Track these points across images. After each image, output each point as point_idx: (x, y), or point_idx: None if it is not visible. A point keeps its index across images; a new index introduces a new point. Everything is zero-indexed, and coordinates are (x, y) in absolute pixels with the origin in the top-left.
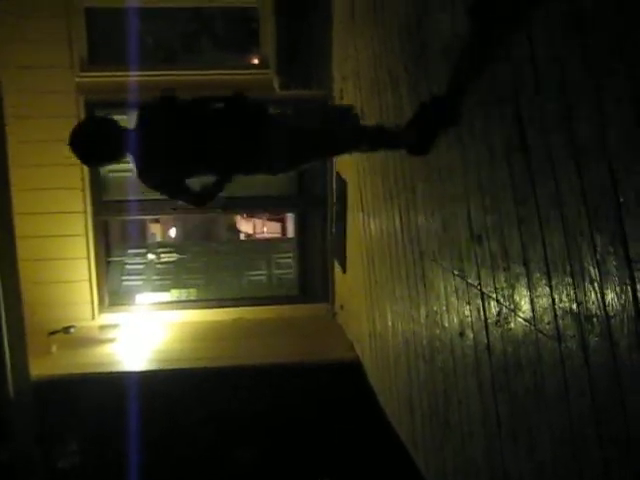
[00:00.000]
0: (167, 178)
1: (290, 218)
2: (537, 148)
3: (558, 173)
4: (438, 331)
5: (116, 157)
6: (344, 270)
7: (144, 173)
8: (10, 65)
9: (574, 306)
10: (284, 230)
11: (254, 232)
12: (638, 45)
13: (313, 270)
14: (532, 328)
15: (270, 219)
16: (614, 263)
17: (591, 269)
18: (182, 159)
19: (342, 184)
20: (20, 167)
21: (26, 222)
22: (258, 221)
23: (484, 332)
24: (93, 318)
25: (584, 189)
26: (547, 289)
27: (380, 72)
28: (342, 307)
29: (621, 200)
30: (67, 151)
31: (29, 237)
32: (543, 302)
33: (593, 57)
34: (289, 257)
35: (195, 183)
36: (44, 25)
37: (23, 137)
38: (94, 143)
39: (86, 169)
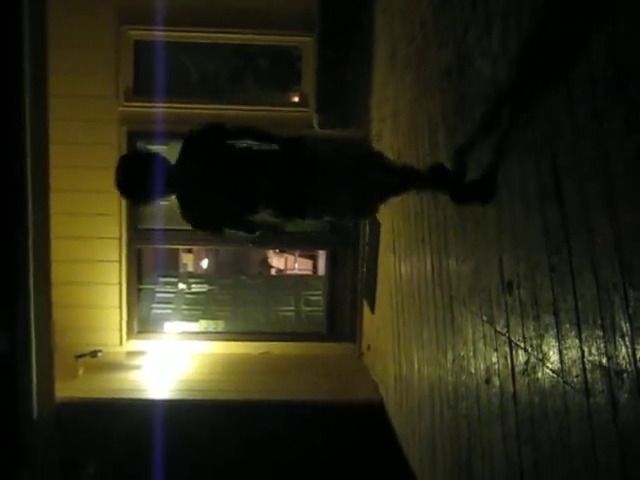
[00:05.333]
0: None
1: (322, 256)
2: (572, 199)
3: (593, 224)
4: (464, 377)
5: (165, 195)
6: (373, 310)
7: (190, 207)
8: (57, 93)
9: (604, 360)
10: (315, 267)
11: (285, 268)
12: None
13: (342, 309)
14: (560, 380)
15: (302, 256)
16: None
17: (622, 323)
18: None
19: (375, 225)
20: (59, 191)
21: (61, 246)
22: (290, 257)
23: (511, 380)
24: (121, 344)
25: (618, 242)
26: (577, 341)
27: (419, 116)
28: (369, 348)
29: None
30: (105, 178)
31: (63, 261)
32: (572, 354)
33: (632, 114)
34: (319, 294)
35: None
36: (94, 56)
37: (63, 162)
38: (143, 185)
39: None
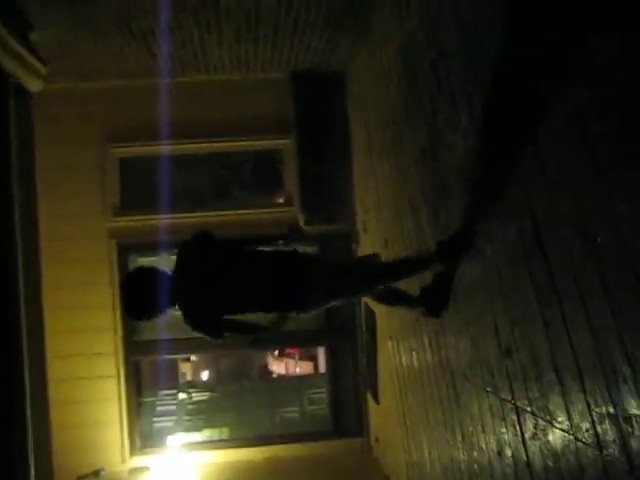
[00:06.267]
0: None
1: (322, 356)
2: (555, 251)
3: (578, 273)
4: (475, 453)
5: (170, 307)
6: (377, 401)
7: (190, 312)
8: (45, 214)
9: (610, 408)
10: (316, 369)
11: (286, 373)
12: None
13: (346, 403)
14: (571, 437)
15: (302, 358)
16: None
17: (623, 366)
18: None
19: (370, 314)
20: (52, 310)
21: (58, 365)
22: (290, 361)
23: (522, 448)
24: (123, 461)
25: (606, 286)
26: (581, 394)
27: (400, 201)
28: (377, 440)
29: None
30: (99, 294)
31: (61, 380)
32: (579, 408)
33: (601, 163)
34: (322, 392)
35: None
36: (81, 175)
37: (56, 281)
38: (152, 302)
39: (118, 310)
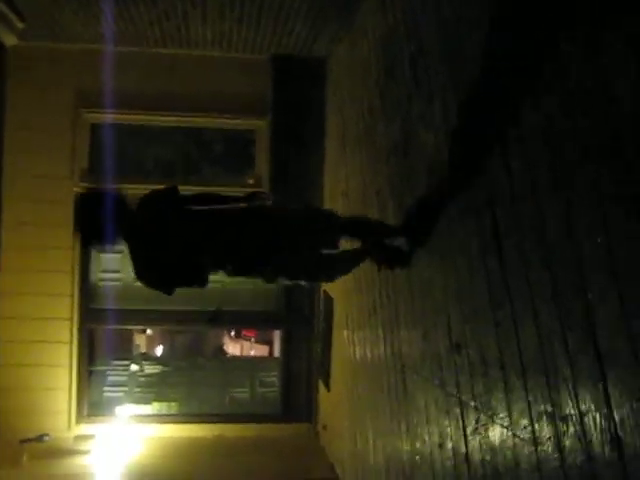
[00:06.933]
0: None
1: (277, 340)
2: (511, 254)
3: (531, 276)
4: (418, 444)
5: (118, 239)
6: (328, 388)
7: (142, 263)
8: (10, 174)
9: (549, 407)
10: (271, 353)
11: (241, 354)
12: (600, 156)
13: (297, 389)
14: (509, 433)
15: (257, 342)
16: (585, 360)
17: (564, 368)
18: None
19: (329, 302)
20: (10, 272)
21: (10, 326)
22: (246, 343)
23: (463, 441)
24: (69, 428)
25: (555, 291)
26: (523, 392)
27: (368, 191)
28: (325, 427)
29: (589, 297)
30: (59, 258)
31: (11, 342)
32: (519, 406)
33: (560, 170)
34: (274, 375)
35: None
36: (50, 138)
37: (18, 243)
38: (97, 223)
39: (77, 276)
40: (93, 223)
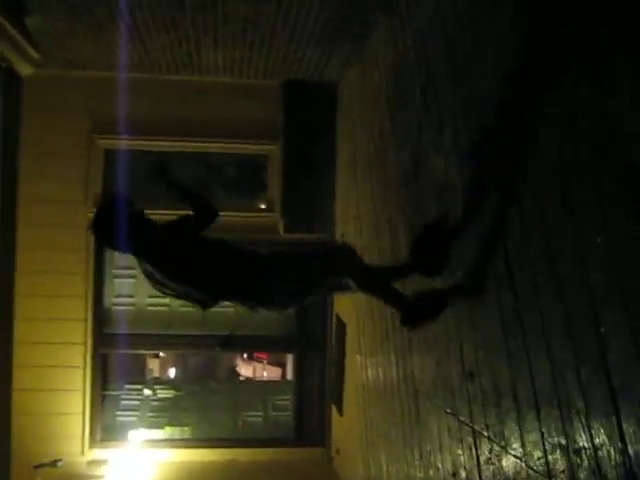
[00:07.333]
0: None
1: (290, 362)
2: (523, 284)
3: (543, 308)
4: (432, 472)
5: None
6: (341, 413)
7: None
8: (26, 200)
9: (562, 440)
10: (284, 375)
11: (254, 376)
12: (610, 183)
13: (310, 413)
14: (523, 465)
15: (270, 363)
16: (598, 393)
17: (577, 401)
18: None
19: (342, 326)
20: (25, 297)
21: (24, 351)
22: (258, 365)
23: (476, 471)
24: (82, 453)
25: (568, 323)
26: (536, 423)
27: (380, 217)
28: (338, 451)
29: (602, 330)
30: (72, 283)
31: (26, 366)
32: (533, 437)
33: (573, 203)
34: (287, 399)
35: None
36: (64, 164)
37: (31, 268)
38: (111, 236)
39: (91, 301)
40: (109, 227)
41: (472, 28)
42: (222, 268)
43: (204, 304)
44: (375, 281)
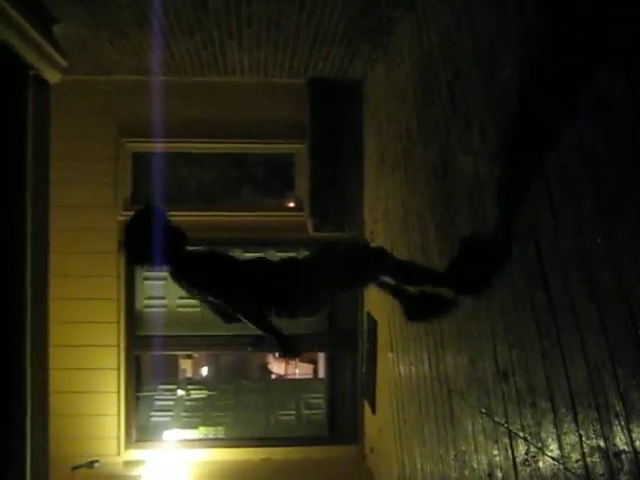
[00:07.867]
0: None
1: (322, 359)
2: (556, 284)
3: (578, 308)
4: (467, 472)
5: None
6: (374, 411)
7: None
8: (57, 203)
9: (601, 442)
10: (316, 372)
11: (286, 373)
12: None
13: (343, 411)
14: (561, 467)
15: (302, 360)
16: (637, 395)
17: (615, 402)
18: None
19: (373, 324)
20: (58, 300)
21: (60, 354)
22: (290, 362)
23: (513, 472)
24: (119, 453)
25: (603, 322)
26: (573, 425)
27: (409, 215)
28: (372, 449)
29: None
30: (105, 286)
31: (61, 369)
32: (570, 439)
33: (606, 202)
34: (319, 397)
35: None
36: (93, 168)
37: (64, 271)
38: (143, 251)
39: (123, 303)
40: (140, 243)
41: (499, 22)
42: (256, 287)
43: (229, 318)
44: (410, 269)
